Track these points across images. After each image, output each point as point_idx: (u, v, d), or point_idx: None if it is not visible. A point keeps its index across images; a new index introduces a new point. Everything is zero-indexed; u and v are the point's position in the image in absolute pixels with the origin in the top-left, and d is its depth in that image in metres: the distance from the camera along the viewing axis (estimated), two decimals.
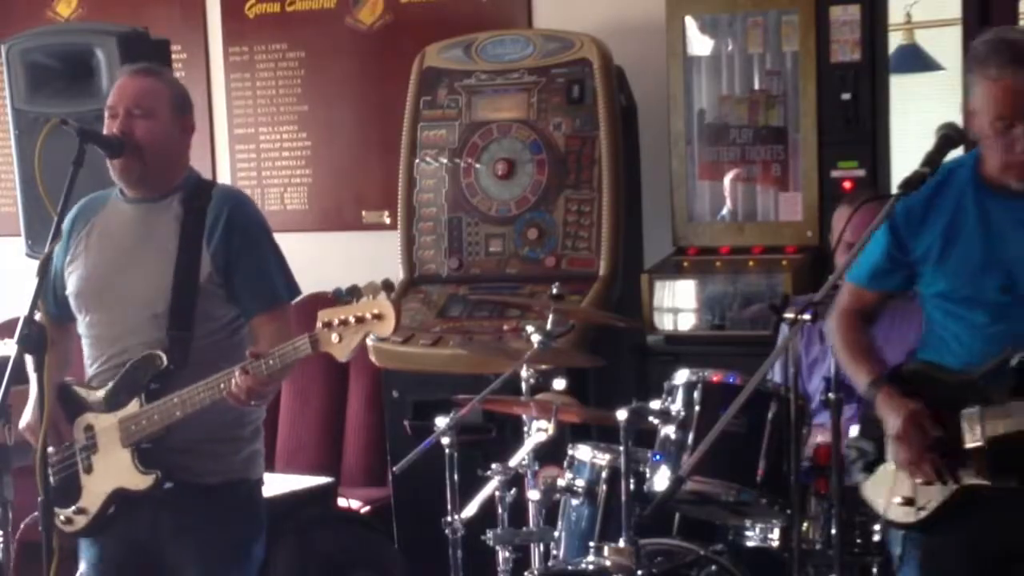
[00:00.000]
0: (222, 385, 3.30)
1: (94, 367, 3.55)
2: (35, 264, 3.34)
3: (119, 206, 3.60)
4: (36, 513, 3.38)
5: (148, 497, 3.42)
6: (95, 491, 3.49)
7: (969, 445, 3.04)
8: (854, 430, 3.28)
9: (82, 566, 3.65)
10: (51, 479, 3.52)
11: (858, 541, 3.59)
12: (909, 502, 3.13)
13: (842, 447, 3.30)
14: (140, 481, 3.41)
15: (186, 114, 3.58)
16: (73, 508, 3.51)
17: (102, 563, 3.55)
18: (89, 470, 3.50)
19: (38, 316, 3.24)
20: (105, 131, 3.50)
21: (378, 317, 3.15)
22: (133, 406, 3.42)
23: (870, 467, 3.21)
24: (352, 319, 3.16)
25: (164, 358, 3.41)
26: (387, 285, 3.14)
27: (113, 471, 3.45)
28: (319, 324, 3.20)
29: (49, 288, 3.60)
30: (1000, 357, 3.04)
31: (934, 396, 3.10)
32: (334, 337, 3.19)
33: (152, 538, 3.49)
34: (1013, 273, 3.07)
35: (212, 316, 3.47)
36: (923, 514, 3.12)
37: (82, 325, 3.58)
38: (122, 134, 3.46)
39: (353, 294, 3.16)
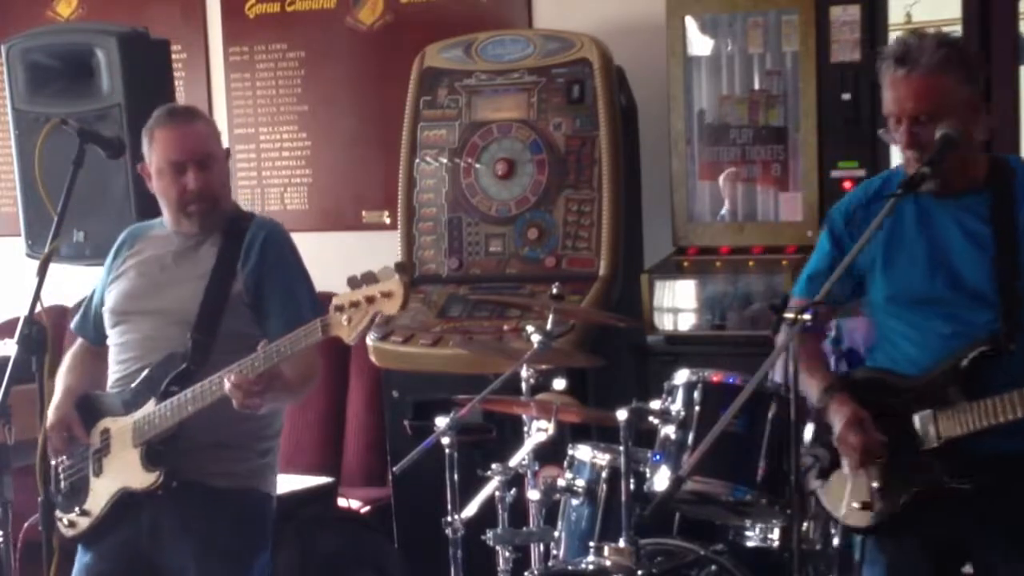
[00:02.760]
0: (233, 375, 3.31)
1: (117, 372, 3.58)
2: (35, 264, 3.34)
3: (164, 232, 3.67)
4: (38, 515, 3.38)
5: (151, 497, 3.42)
6: (101, 492, 3.50)
7: (925, 448, 3.08)
8: (808, 434, 3.30)
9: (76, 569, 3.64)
10: (61, 483, 3.54)
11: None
12: (867, 506, 3.16)
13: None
14: (144, 479, 3.42)
15: (224, 145, 3.63)
16: (77, 510, 3.51)
17: (95, 567, 3.54)
18: (99, 472, 3.51)
19: (39, 314, 3.25)
20: (166, 188, 3.55)
21: (387, 295, 3.14)
22: (148, 407, 3.43)
23: (824, 473, 3.23)
24: (363, 299, 3.16)
25: (183, 361, 3.42)
26: (401, 267, 3.14)
27: (120, 471, 3.46)
28: (331, 308, 3.20)
29: (91, 315, 3.71)
30: (952, 359, 3.07)
31: (887, 401, 3.15)
32: (344, 319, 3.18)
33: (150, 544, 3.48)
34: (958, 271, 3.11)
35: (235, 332, 3.49)
36: (881, 517, 3.15)
37: (112, 337, 3.61)
38: (199, 191, 3.51)
39: (368, 279, 3.16)
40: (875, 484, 3.13)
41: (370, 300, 3.15)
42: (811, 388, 3.21)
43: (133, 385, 3.49)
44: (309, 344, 3.26)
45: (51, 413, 3.54)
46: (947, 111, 3.07)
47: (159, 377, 3.45)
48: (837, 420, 3.12)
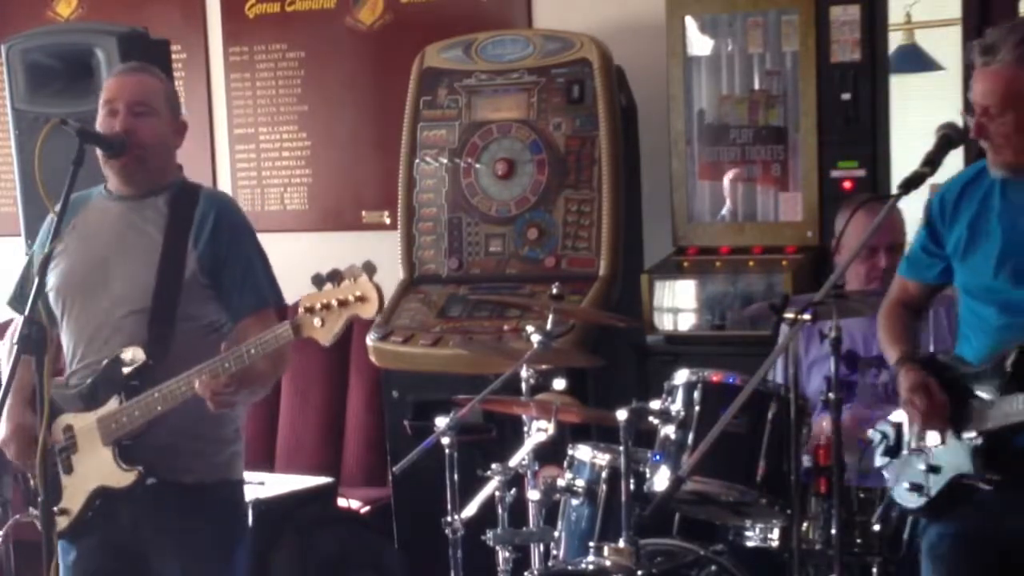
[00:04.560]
0: (204, 378, 3.28)
1: (73, 364, 3.52)
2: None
3: (103, 203, 3.57)
4: (18, 516, 3.34)
5: (130, 495, 3.39)
6: (77, 491, 3.46)
7: (966, 438, 3.09)
8: (898, 415, 3.32)
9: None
10: (32, 483, 3.50)
11: (858, 541, 3.59)
12: (916, 488, 3.18)
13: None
14: (122, 478, 3.38)
15: (179, 113, 3.58)
16: (55, 509, 3.48)
17: (81, 564, 3.52)
18: (69, 470, 3.47)
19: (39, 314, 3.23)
20: (99, 127, 3.49)
21: (361, 299, 3.10)
22: (112, 404, 3.39)
23: (890, 451, 3.26)
24: (335, 302, 3.12)
25: (143, 354, 3.39)
26: (368, 267, 3.12)
27: (94, 470, 3.42)
28: (301, 309, 3.16)
29: (27, 292, 3.58)
30: (999, 353, 3.07)
31: (951, 386, 3.16)
32: (316, 321, 3.14)
33: (133, 540, 3.45)
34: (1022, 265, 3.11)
35: (193, 316, 3.44)
36: (925, 500, 3.17)
37: (62, 321, 3.55)
38: (125, 132, 3.45)
39: (334, 278, 3.13)
40: (922, 467, 3.15)
41: (343, 303, 3.12)
42: (890, 358, 3.27)
43: (91, 380, 3.45)
44: (280, 345, 3.24)
45: (5, 421, 3.49)
46: (1018, 106, 3.06)
47: (119, 373, 3.40)
48: (904, 384, 3.16)
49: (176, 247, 3.44)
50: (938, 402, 3.11)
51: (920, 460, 3.16)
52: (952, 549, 3.19)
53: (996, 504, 3.09)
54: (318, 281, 3.14)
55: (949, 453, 3.13)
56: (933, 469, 3.14)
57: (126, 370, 3.39)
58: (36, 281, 3.24)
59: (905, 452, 3.21)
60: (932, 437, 3.16)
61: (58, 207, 3.33)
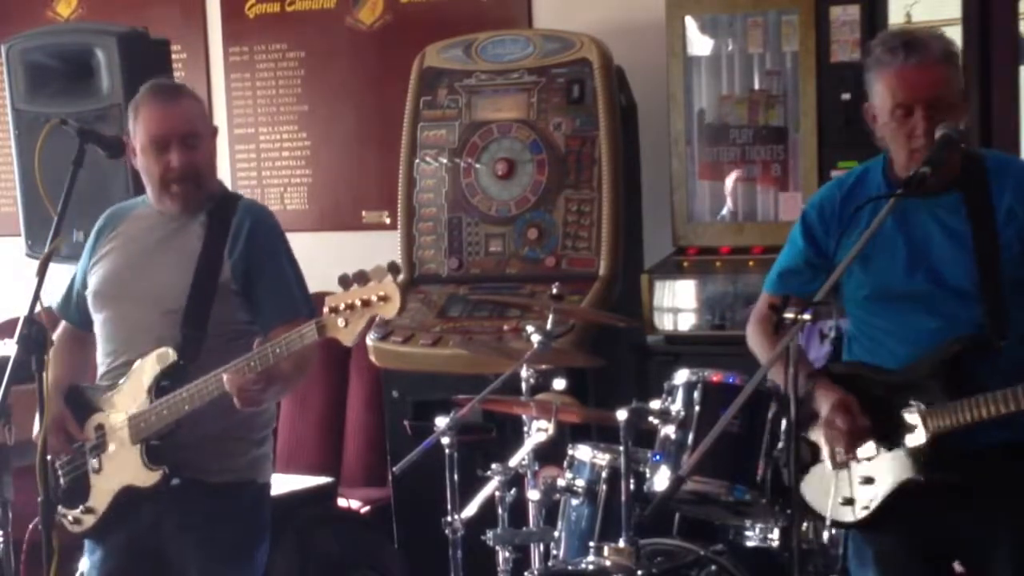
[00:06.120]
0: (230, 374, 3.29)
1: (105, 364, 3.57)
2: (35, 264, 3.34)
3: (146, 212, 3.63)
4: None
5: (154, 494, 3.42)
6: (103, 490, 3.49)
7: (912, 444, 3.08)
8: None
9: (83, 564, 3.65)
10: (61, 480, 3.54)
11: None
12: (849, 501, 3.16)
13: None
14: (147, 477, 3.42)
15: (212, 123, 3.61)
16: (81, 508, 3.51)
17: (106, 563, 3.55)
18: (98, 469, 3.51)
19: (39, 314, 3.24)
20: (152, 166, 3.50)
21: (384, 299, 3.12)
22: (143, 403, 3.42)
23: (803, 468, 3.24)
24: (358, 302, 3.14)
25: (175, 354, 3.41)
26: (392, 268, 3.13)
27: (121, 469, 3.46)
28: (326, 309, 3.19)
29: (73, 297, 3.65)
30: (936, 353, 3.08)
31: (869, 395, 3.15)
32: (340, 322, 3.16)
33: (155, 538, 3.48)
34: (938, 269, 3.11)
35: (226, 320, 3.47)
36: (865, 513, 3.15)
37: (97, 323, 3.59)
38: (183, 168, 3.46)
39: (359, 279, 3.15)
40: (855, 480, 3.13)
41: (366, 303, 3.13)
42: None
43: (123, 380, 3.48)
44: (305, 345, 3.25)
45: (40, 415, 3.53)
46: (954, 100, 3.08)
47: (150, 373, 3.44)
48: (823, 404, 3.13)
49: (213, 254, 3.49)
50: (860, 423, 3.10)
51: (850, 473, 3.14)
52: (904, 556, 3.18)
53: (936, 507, 3.08)
54: (344, 282, 3.15)
55: (886, 463, 3.11)
56: (869, 481, 3.12)
57: (158, 370, 3.41)
58: (37, 281, 3.26)
59: (828, 467, 3.19)
60: (867, 449, 3.12)
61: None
